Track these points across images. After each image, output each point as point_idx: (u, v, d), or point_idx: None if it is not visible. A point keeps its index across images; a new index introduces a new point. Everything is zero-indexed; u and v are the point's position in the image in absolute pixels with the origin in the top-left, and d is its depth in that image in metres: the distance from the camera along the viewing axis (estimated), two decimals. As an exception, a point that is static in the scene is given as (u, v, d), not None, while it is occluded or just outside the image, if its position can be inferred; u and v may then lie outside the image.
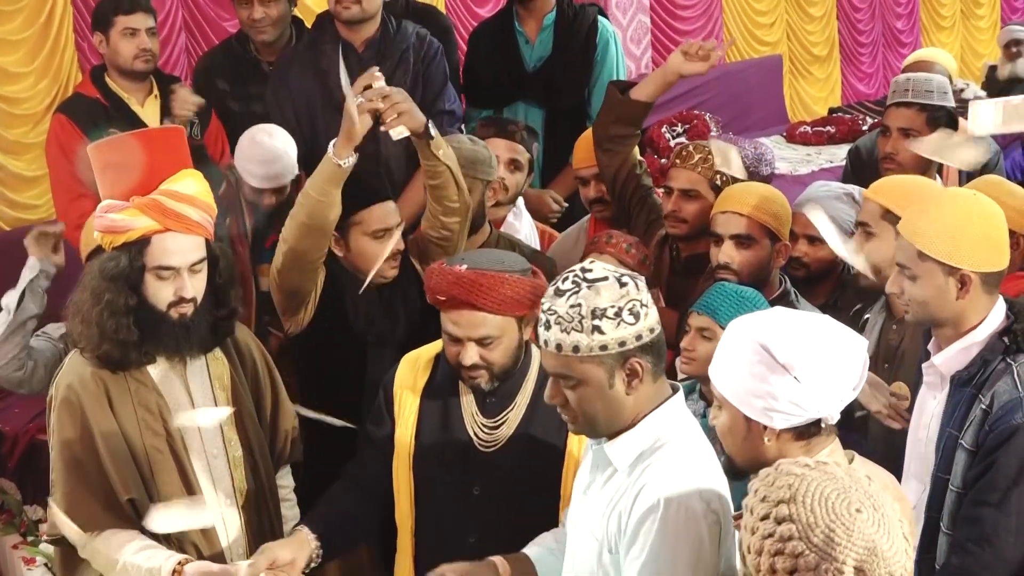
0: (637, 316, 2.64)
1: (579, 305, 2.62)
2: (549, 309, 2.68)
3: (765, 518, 2.00)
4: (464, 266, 3.16)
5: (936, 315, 3.14)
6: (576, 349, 2.63)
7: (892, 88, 4.77)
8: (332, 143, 3.70)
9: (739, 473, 2.63)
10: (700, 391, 3.62)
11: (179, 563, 3.19)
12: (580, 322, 2.62)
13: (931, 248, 3.06)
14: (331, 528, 3.34)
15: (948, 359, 3.16)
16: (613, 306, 2.62)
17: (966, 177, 5.20)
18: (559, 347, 2.65)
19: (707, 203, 4.21)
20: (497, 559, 3.09)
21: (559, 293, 2.66)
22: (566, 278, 2.69)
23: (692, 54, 4.33)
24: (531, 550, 3.15)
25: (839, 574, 1.93)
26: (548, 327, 2.67)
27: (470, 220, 4.24)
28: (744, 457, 2.56)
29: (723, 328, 3.42)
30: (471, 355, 3.19)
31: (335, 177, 3.69)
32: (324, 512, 3.41)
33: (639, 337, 2.65)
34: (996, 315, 3.14)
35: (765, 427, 2.48)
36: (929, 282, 3.09)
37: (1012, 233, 3.79)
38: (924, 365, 3.26)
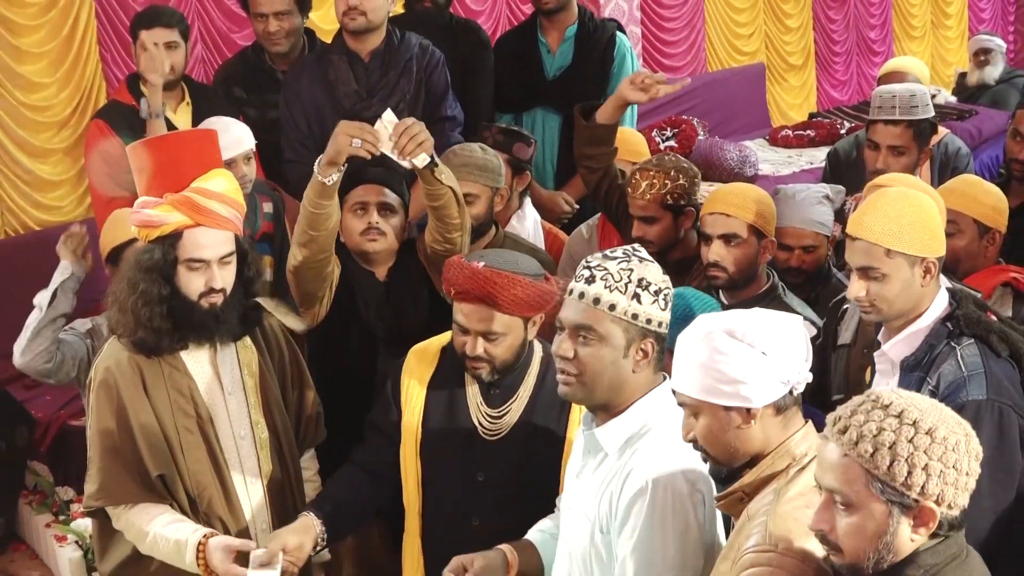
0: (666, 306, 2.76)
1: (631, 271, 2.74)
2: (598, 266, 2.77)
3: (895, 430, 2.10)
4: (482, 263, 3.20)
5: (903, 307, 3.19)
6: (612, 307, 2.73)
7: (877, 103, 4.71)
8: (317, 162, 3.70)
9: (727, 476, 2.62)
10: None
11: (204, 536, 3.24)
12: (626, 285, 2.73)
13: (898, 244, 3.12)
14: (336, 511, 3.38)
15: (896, 346, 3.23)
16: (656, 285, 2.75)
17: (937, 179, 5.30)
18: (597, 300, 2.74)
19: (665, 223, 4.21)
20: (506, 548, 3.12)
21: (609, 257, 2.77)
22: (615, 250, 2.79)
23: (637, 84, 4.33)
24: (533, 535, 3.19)
25: (969, 439, 2.10)
26: (591, 281, 2.76)
27: (479, 225, 4.28)
28: (730, 451, 2.55)
29: None
30: (477, 347, 3.23)
31: (323, 192, 3.68)
32: (329, 496, 3.46)
33: (660, 324, 2.76)
34: (940, 303, 3.21)
35: (748, 410, 2.49)
36: (897, 277, 3.15)
37: (988, 228, 3.89)
38: (876, 354, 3.31)
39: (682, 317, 3.09)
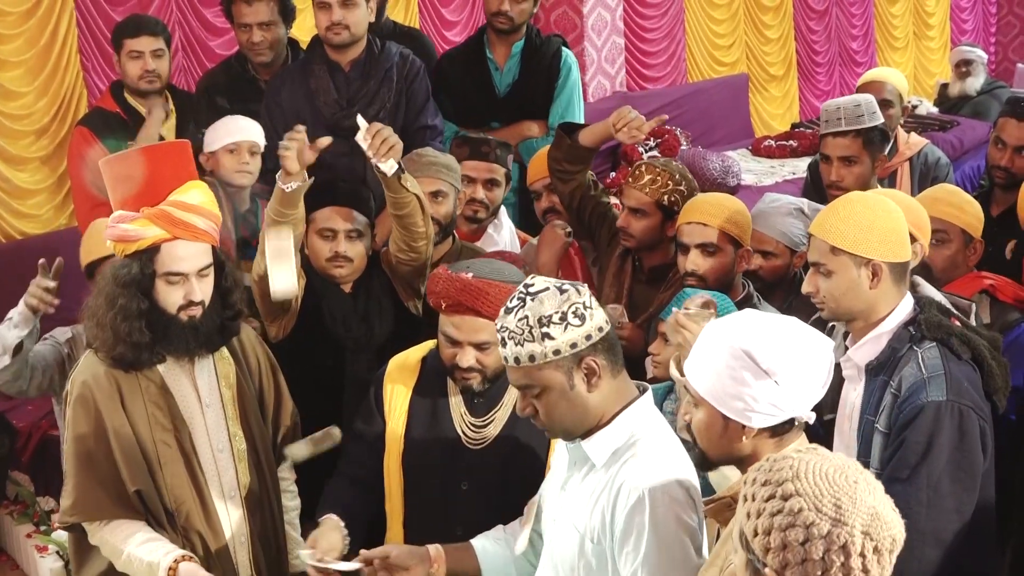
0: (583, 318, 2.70)
1: (526, 317, 2.68)
2: (502, 327, 2.73)
3: (771, 498, 2.00)
4: (470, 274, 3.22)
5: (851, 308, 3.22)
6: (532, 359, 2.69)
7: (824, 118, 4.80)
8: (279, 173, 3.77)
9: (710, 466, 2.68)
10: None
11: (175, 560, 3.21)
12: (530, 332, 2.68)
13: (843, 242, 3.17)
14: (351, 518, 3.38)
15: (861, 350, 3.25)
16: (557, 311, 2.68)
17: (917, 189, 5.36)
18: (517, 360, 2.71)
19: (653, 221, 4.25)
20: (432, 547, 3.15)
21: (508, 311, 2.73)
22: (512, 297, 2.75)
23: (620, 128, 4.31)
24: (477, 540, 3.20)
25: (850, 538, 1.94)
26: (504, 344, 2.73)
27: (447, 225, 4.32)
28: (719, 452, 2.59)
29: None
30: (468, 358, 3.24)
31: (284, 200, 3.72)
32: (339, 503, 3.43)
33: (588, 337, 2.70)
34: (904, 307, 3.24)
35: (744, 426, 2.51)
36: (843, 275, 3.19)
37: (972, 238, 3.96)
38: (842, 359, 3.32)
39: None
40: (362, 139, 3.77)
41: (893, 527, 1.99)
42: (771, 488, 2.01)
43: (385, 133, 3.73)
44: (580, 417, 2.77)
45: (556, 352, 2.69)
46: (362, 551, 3.16)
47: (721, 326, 2.57)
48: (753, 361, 2.47)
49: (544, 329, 2.68)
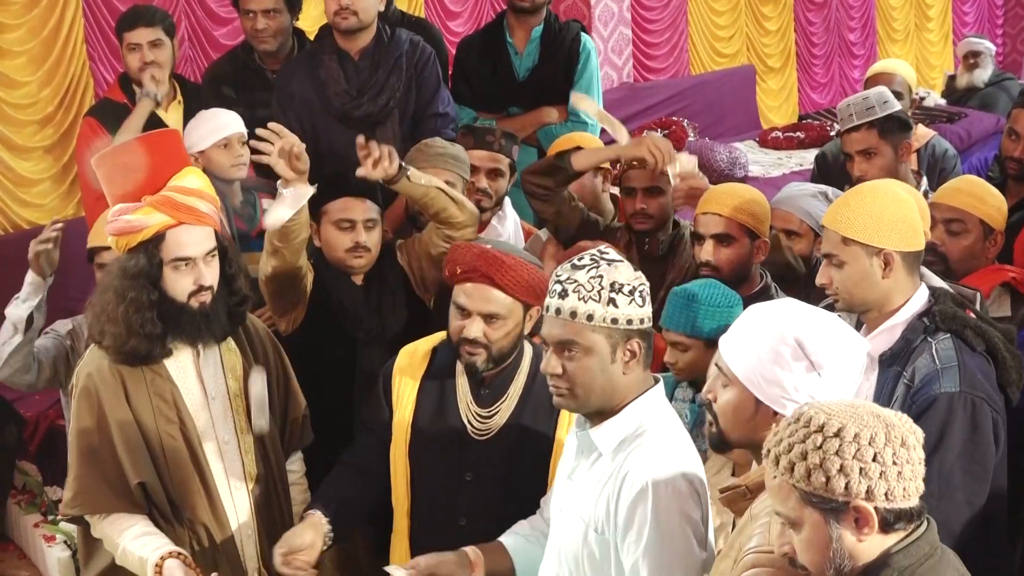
0: (645, 301, 2.74)
1: (600, 277, 2.72)
2: (568, 279, 2.74)
3: (803, 440, 2.09)
4: (490, 246, 3.26)
5: (865, 298, 3.22)
6: (590, 317, 2.71)
7: (839, 117, 4.81)
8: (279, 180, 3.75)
9: (725, 447, 2.68)
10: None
11: (161, 557, 3.19)
12: (599, 292, 2.70)
13: (854, 232, 3.17)
14: (338, 511, 3.37)
15: (874, 340, 3.23)
16: (629, 284, 2.72)
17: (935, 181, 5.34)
18: (573, 314, 2.72)
19: (668, 197, 4.31)
20: (470, 549, 3.15)
21: (577, 267, 2.74)
22: (582, 257, 2.76)
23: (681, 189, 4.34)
24: (507, 538, 3.20)
25: (903, 430, 2.05)
26: (564, 295, 2.73)
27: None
28: (741, 435, 2.59)
29: (677, 334, 3.51)
30: (475, 329, 3.24)
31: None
32: (331, 495, 3.44)
33: (642, 321, 2.74)
34: (918, 298, 3.24)
35: (775, 413, 2.51)
36: (856, 266, 3.19)
37: (992, 229, 3.95)
38: None
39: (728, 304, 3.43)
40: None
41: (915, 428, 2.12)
42: (801, 431, 2.11)
43: (370, 149, 3.74)
44: (606, 393, 2.79)
45: (614, 321, 2.72)
46: (409, 562, 3.16)
47: (771, 312, 2.58)
48: (804, 351, 2.49)
49: (613, 294, 2.71)
